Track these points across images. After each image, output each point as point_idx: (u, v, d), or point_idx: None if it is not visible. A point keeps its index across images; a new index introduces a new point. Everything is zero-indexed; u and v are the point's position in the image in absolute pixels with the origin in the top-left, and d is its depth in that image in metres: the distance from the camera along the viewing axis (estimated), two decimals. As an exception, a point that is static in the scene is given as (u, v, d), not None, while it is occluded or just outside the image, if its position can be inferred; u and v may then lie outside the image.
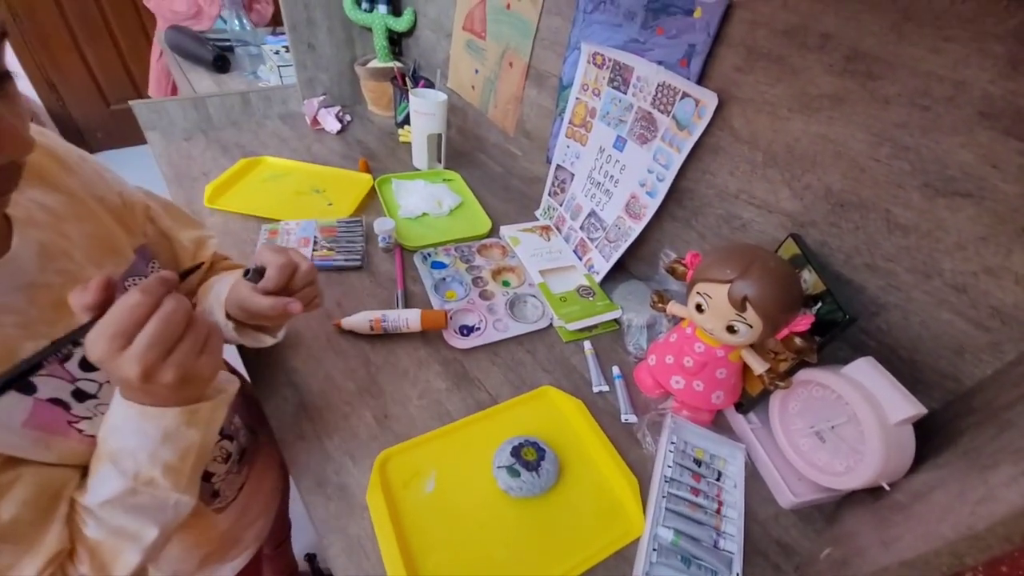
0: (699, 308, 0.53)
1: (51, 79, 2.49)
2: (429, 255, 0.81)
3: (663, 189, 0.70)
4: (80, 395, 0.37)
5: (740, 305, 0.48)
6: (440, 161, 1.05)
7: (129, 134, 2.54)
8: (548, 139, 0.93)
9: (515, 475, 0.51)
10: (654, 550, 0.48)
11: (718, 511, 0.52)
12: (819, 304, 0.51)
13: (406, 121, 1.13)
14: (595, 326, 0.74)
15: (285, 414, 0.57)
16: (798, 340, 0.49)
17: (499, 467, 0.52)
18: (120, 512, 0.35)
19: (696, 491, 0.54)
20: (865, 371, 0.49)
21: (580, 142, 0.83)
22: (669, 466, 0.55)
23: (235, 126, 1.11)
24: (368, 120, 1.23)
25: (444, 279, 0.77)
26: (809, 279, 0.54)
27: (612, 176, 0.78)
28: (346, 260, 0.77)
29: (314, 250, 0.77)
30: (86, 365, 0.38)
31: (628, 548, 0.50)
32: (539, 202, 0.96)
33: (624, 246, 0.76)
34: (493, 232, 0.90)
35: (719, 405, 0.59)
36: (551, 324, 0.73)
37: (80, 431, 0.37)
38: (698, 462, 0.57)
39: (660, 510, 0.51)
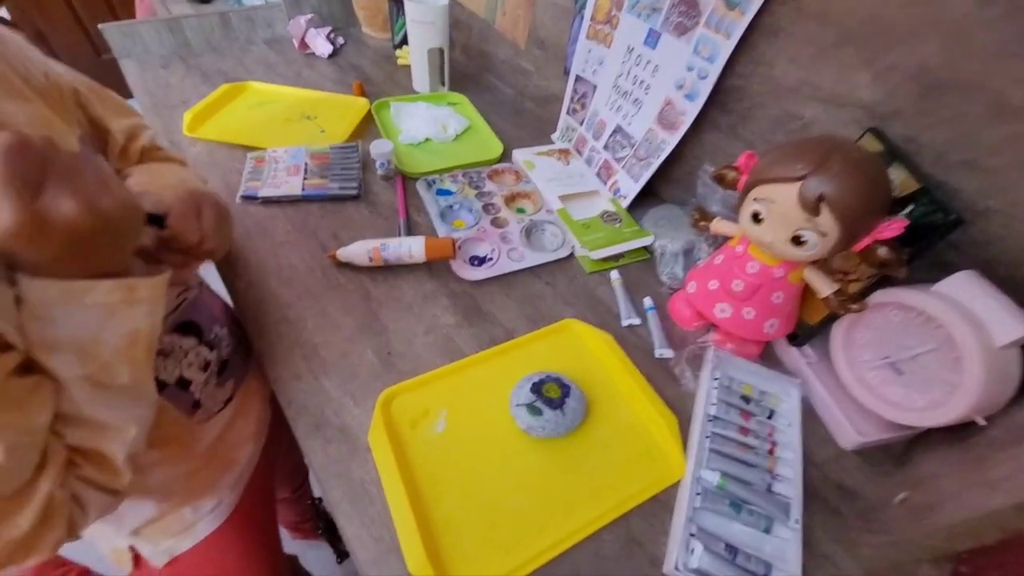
0: (756, 218, 0.44)
1: (40, 28, 2.36)
2: (434, 182, 0.72)
3: (706, 88, 0.59)
4: None
5: (813, 207, 0.39)
6: (444, 83, 0.94)
7: (124, 86, 2.43)
8: (565, 46, 0.81)
9: (536, 414, 0.44)
10: (698, 494, 0.42)
11: (771, 452, 0.45)
12: (910, 207, 0.42)
13: (404, 41, 1.00)
14: (622, 254, 0.65)
15: (278, 352, 0.51)
16: (882, 251, 0.40)
17: (518, 405, 0.46)
18: (87, 406, 0.31)
19: (745, 430, 0.47)
20: (964, 287, 0.40)
21: (604, 43, 0.71)
22: (713, 403, 0.48)
23: (216, 52, 1.00)
24: (363, 43, 1.11)
25: (451, 206, 0.68)
26: (896, 178, 0.44)
27: (642, 81, 0.67)
28: (341, 188, 0.69)
29: (305, 178, 0.69)
30: None
31: (667, 493, 0.44)
32: (555, 124, 0.85)
33: (656, 163, 0.66)
34: (505, 157, 0.80)
35: (772, 335, 0.51)
36: (572, 253, 0.65)
37: None
38: (746, 399, 0.50)
39: (704, 451, 0.45)
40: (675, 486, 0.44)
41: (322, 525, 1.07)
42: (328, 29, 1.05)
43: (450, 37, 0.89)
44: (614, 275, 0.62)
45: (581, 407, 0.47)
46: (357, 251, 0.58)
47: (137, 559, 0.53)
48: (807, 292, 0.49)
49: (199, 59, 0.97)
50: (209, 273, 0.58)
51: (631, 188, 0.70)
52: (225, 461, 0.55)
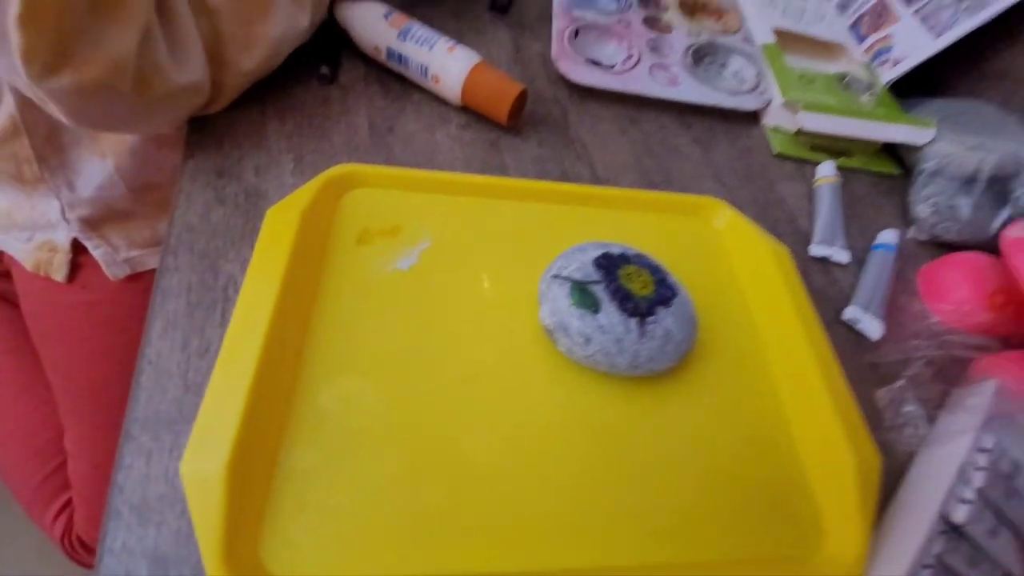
0: None
1: None
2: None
3: None
4: None
5: None
6: None
7: None
8: None
9: (587, 307, 0.20)
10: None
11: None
12: None
13: None
14: (853, 145, 0.35)
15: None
16: None
17: (556, 277, 0.22)
18: None
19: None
20: None
21: None
22: (965, 499, 0.20)
23: None
24: None
25: (590, -17, 0.42)
26: None
27: None
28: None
29: None
30: None
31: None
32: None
33: (1006, 2, 0.33)
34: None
35: None
36: (761, 111, 0.36)
37: None
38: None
39: (920, 554, 0.18)
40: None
41: None
42: None
43: None
44: (824, 169, 0.33)
45: (684, 336, 0.21)
46: (360, 22, 0.32)
47: (76, 267, 0.38)
48: None
49: None
50: None
51: (917, 49, 0.38)
52: None
